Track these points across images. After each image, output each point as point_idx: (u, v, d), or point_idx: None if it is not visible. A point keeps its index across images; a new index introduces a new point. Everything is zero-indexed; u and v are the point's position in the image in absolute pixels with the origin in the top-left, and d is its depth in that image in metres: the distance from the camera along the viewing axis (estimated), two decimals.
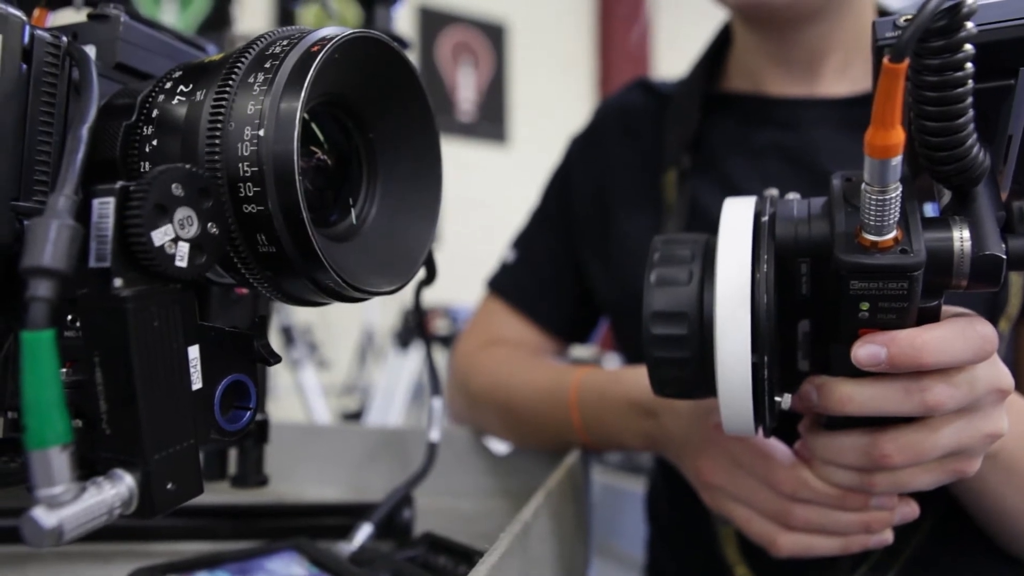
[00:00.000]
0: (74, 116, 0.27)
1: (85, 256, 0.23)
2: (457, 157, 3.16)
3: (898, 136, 0.26)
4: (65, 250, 0.21)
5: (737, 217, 0.34)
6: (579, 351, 1.38)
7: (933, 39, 0.26)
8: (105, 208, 0.23)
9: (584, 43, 3.71)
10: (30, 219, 0.22)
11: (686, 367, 0.34)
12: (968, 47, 0.26)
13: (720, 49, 0.68)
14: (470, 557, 0.43)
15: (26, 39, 0.27)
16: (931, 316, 0.32)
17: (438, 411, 0.51)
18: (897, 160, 0.27)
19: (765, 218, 0.33)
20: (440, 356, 2.16)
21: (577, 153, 0.75)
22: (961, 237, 0.30)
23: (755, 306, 0.32)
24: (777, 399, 0.34)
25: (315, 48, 0.27)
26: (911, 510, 0.39)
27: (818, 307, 0.33)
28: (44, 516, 0.21)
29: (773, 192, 0.36)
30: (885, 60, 0.25)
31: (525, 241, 0.76)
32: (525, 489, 0.60)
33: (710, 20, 0.76)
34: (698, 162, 0.64)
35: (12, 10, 0.27)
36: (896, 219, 0.29)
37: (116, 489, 0.23)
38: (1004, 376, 0.34)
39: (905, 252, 0.29)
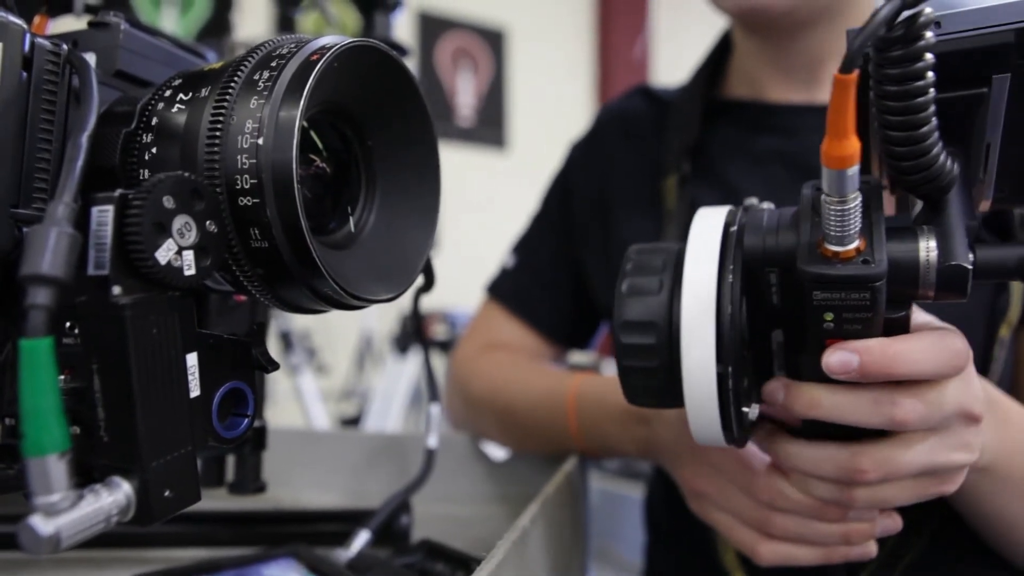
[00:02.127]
0: (74, 124, 0.27)
1: (84, 264, 0.23)
2: (456, 162, 3.17)
3: (853, 146, 0.26)
4: (64, 258, 0.21)
5: (706, 227, 0.34)
6: (578, 357, 1.38)
7: (892, 48, 0.26)
8: (104, 216, 0.23)
9: (583, 49, 3.72)
10: (29, 226, 0.22)
11: (655, 376, 0.34)
12: (928, 56, 0.26)
13: (721, 56, 0.69)
14: (468, 564, 0.43)
15: (26, 47, 0.27)
16: (898, 327, 0.32)
17: (436, 417, 0.51)
18: (854, 170, 0.27)
19: (734, 228, 0.33)
20: (438, 362, 2.16)
21: (578, 159, 0.75)
22: (927, 247, 0.30)
23: (720, 316, 0.31)
24: (745, 409, 0.33)
25: (314, 57, 0.27)
26: (893, 523, 0.39)
27: (789, 317, 0.33)
28: (41, 524, 0.21)
29: (752, 201, 0.36)
30: (835, 72, 0.25)
31: (525, 246, 0.76)
32: (523, 495, 0.60)
33: (709, 27, 0.77)
34: (699, 168, 0.64)
35: (12, 18, 0.27)
36: (857, 229, 0.29)
37: (114, 496, 0.23)
38: (974, 401, 0.34)
39: (867, 263, 0.29)
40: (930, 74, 0.26)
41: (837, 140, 0.26)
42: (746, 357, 0.34)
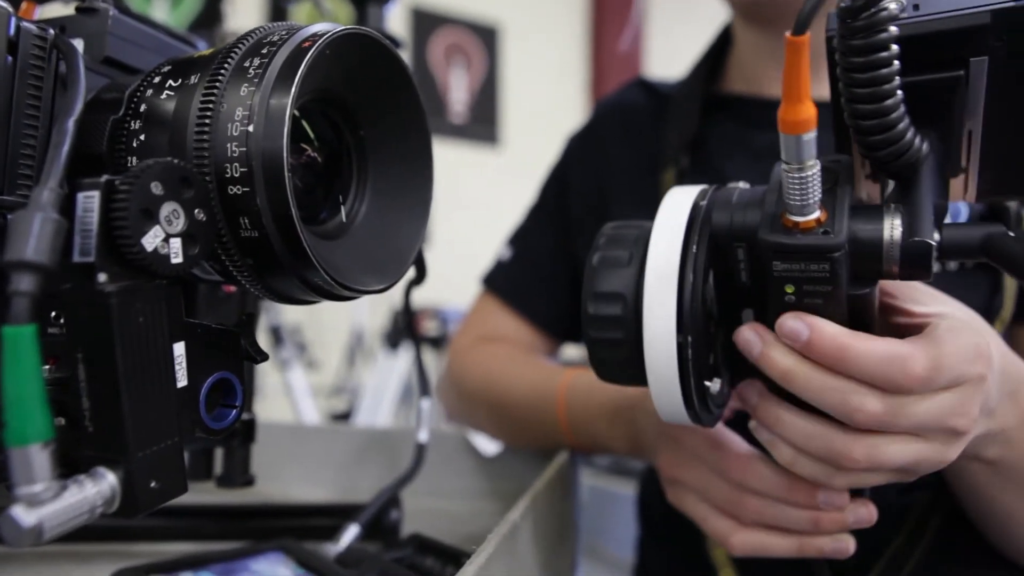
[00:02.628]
0: (60, 109, 0.27)
1: (69, 251, 0.23)
2: (449, 159, 3.16)
3: (809, 110, 0.26)
4: (49, 244, 0.21)
5: (676, 202, 0.34)
6: (571, 351, 1.38)
7: (855, 18, 0.26)
8: (90, 202, 0.23)
9: (576, 46, 3.72)
10: (14, 213, 0.22)
11: (621, 348, 0.34)
12: (892, 28, 0.26)
13: (720, 51, 0.69)
14: (457, 558, 0.43)
15: (12, 31, 0.27)
16: (862, 304, 0.31)
17: (427, 412, 0.51)
18: (810, 136, 0.27)
19: (704, 203, 0.33)
20: (429, 357, 2.16)
21: (575, 151, 0.75)
22: (892, 224, 0.30)
23: (682, 285, 0.31)
24: (707, 384, 0.33)
25: (306, 44, 0.27)
26: (867, 512, 0.39)
27: (758, 295, 0.33)
28: (23, 515, 0.20)
29: (737, 184, 0.36)
30: (787, 34, 0.25)
31: (521, 238, 0.76)
32: (513, 490, 0.59)
33: (702, 24, 0.77)
34: (697, 162, 0.64)
35: None
36: (818, 199, 0.29)
37: (98, 487, 0.23)
38: (959, 418, 0.33)
39: (827, 233, 0.29)
40: (894, 46, 0.26)
41: (792, 104, 0.26)
42: (713, 333, 0.34)
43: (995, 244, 0.29)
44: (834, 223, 0.29)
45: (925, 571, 0.50)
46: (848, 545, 0.39)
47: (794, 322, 0.31)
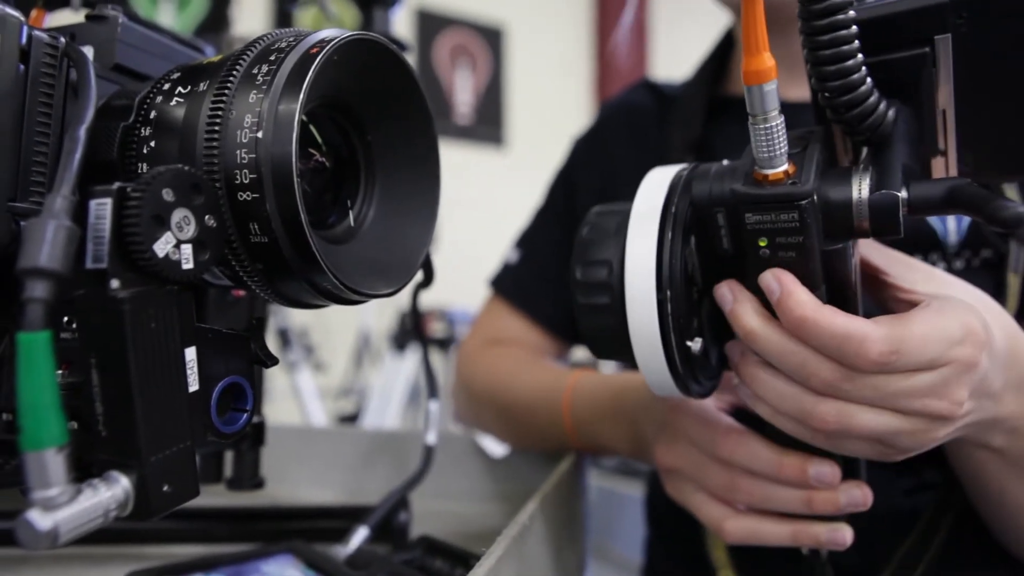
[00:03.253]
0: (72, 117, 0.27)
1: (82, 257, 0.23)
2: (454, 160, 3.16)
3: (768, 61, 0.27)
4: (62, 251, 0.21)
5: (658, 176, 0.35)
6: (580, 353, 1.38)
7: None
8: (102, 209, 0.23)
9: (581, 46, 3.72)
10: (27, 220, 0.22)
11: (607, 314, 0.35)
12: None
13: (724, 53, 0.69)
14: (466, 560, 0.43)
15: (23, 39, 0.27)
16: (836, 260, 0.32)
17: (435, 414, 0.51)
18: (772, 86, 0.28)
19: (684, 173, 0.35)
20: (437, 359, 2.16)
21: (581, 153, 0.75)
22: (861, 183, 0.30)
23: (661, 243, 0.33)
24: (689, 343, 0.34)
25: (314, 50, 0.27)
26: (862, 493, 0.38)
27: (741, 262, 0.34)
28: (39, 518, 0.20)
29: (724, 162, 0.37)
30: None
31: (528, 241, 0.76)
32: (522, 492, 0.60)
33: (707, 26, 0.77)
34: (703, 162, 0.64)
35: (9, 10, 0.27)
36: (784, 151, 0.30)
37: (112, 491, 0.23)
38: (943, 405, 0.33)
39: (795, 184, 0.30)
40: (851, 11, 0.28)
41: (752, 56, 0.27)
42: (696, 299, 0.35)
43: (959, 193, 0.30)
44: (802, 174, 0.30)
45: (938, 570, 0.50)
46: (845, 535, 0.39)
47: (771, 279, 0.32)
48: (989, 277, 0.52)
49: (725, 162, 0.35)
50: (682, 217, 0.33)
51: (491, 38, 3.45)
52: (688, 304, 0.34)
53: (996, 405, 0.36)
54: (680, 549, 0.67)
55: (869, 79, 0.29)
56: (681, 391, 0.35)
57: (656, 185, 0.35)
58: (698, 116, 0.64)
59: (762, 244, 0.31)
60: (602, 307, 0.35)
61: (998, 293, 0.52)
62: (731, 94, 0.67)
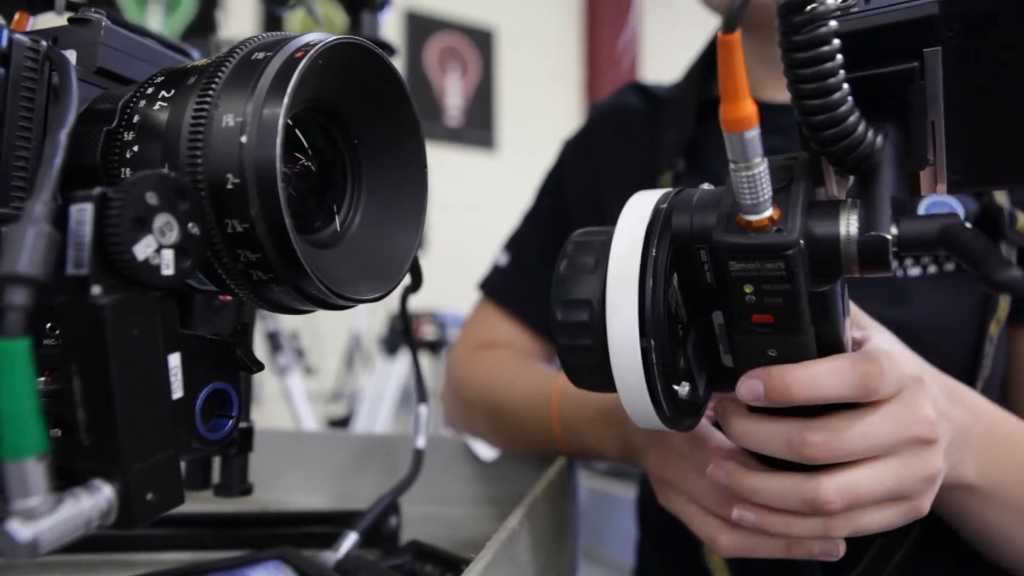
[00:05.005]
0: (53, 121, 0.27)
1: (63, 263, 0.23)
2: (444, 163, 3.16)
3: (749, 108, 0.26)
4: (42, 257, 0.21)
5: (638, 206, 0.34)
6: None
7: (796, 14, 0.27)
8: (83, 214, 0.23)
9: (571, 49, 3.72)
10: (7, 226, 0.22)
11: (589, 354, 0.34)
12: (833, 22, 0.27)
13: (714, 55, 0.69)
14: (456, 565, 0.43)
15: (3, 42, 0.27)
16: (824, 302, 0.31)
17: (424, 418, 0.51)
18: (753, 133, 0.27)
19: (664, 205, 0.33)
20: (427, 362, 2.16)
21: (571, 155, 0.75)
22: (848, 220, 0.29)
23: (642, 289, 0.31)
24: (676, 387, 0.33)
25: (299, 54, 0.27)
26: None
27: (725, 297, 0.33)
28: (19, 529, 0.20)
29: (705, 186, 0.36)
30: (719, 33, 0.25)
31: (518, 244, 0.76)
32: (512, 496, 0.59)
33: (697, 28, 0.77)
34: (693, 165, 0.64)
35: None
36: (769, 197, 0.29)
37: (94, 500, 0.23)
38: (916, 425, 0.34)
39: (780, 231, 0.29)
40: (836, 40, 0.27)
41: (731, 103, 0.26)
42: (681, 336, 0.34)
43: (951, 235, 0.29)
44: (787, 220, 0.29)
45: (908, 570, 0.50)
46: (838, 547, 0.39)
47: (748, 383, 0.32)
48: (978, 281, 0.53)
49: (706, 186, 0.35)
50: (663, 260, 0.32)
51: (481, 41, 3.45)
52: (673, 345, 0.33)
53: (948, 420, 0.37)
54: (672, 551, 0.67)
55: (856, 110, 0.29)
56: (668, 427, 0.34)
57: (635, 219, 0.33)
58: (689, 118, 0.65)
59: (748, 291, 0.30)
60: (584, 348, 0.34)
61: (989, 294, 0.52)
62: (719, 97, 0.67)
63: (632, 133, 0.70)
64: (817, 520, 0.35)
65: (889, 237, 0.29)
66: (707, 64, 0.68)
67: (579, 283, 0.34)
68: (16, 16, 0.34)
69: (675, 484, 0.43)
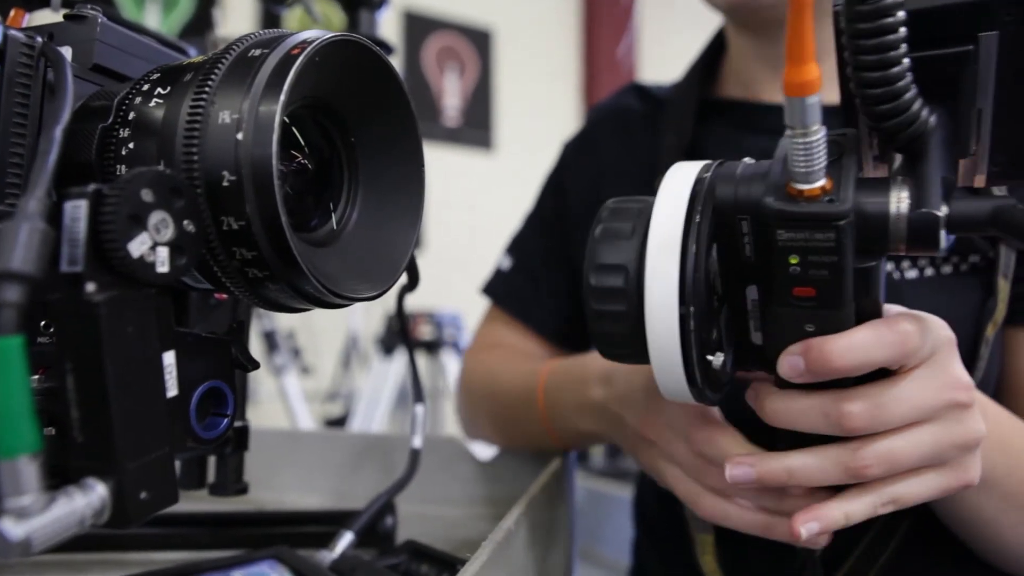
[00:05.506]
0: (48, 118, 0.27)
1: (57, 260, 0.23)
2: (442, 163, 3.16)
3: (813, 71, 0.25)
4: (36, 253, 0.21)
5: (679, 175, 0.33)
6: None
7: None
8: (77, 211, 0.23)
9: (569, 49, 3.72)
10: (1, 222, 0.22)
11: (622, 321, 0.33)
12: None
13: (714, 55, 0.69)
14: (452, 565, 0.43)
15: None
16: (867, 279, 0.31)
17: (421, 417, 0.51)
18: (815, 99, 0.26)
19: (707, 175, 0.33)
20: (424, 362, 2.15)
21: (571, 157, 0.75)
22: (899, 196, 0.29)
23: (684, 256, 0.31)
24: (710, 357, 0.33)
25: (295, 51, 0.26)
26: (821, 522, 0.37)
27: (762, 271, 0.33)
28: (11, 527, 0.20)
29: (747, 160, 0.35)
30: None
31: (519, 247, 0.76)
32: (508, 496, 0.59)
33: (695, 28, 0.77)
34: None
35: None
36: (823, 166, 0.28)
37: (88, 498, 0.22)
38: (951, 388, 0.33)
39: (832, 202, 0.28)
40: (900, 12, 0.26)
41: (796, 65, 0.25)
42: (716, 307, 0.34)
43: (1005, 216, 0.28)
44: (840, 191, 0.28)
45: (897, 569, 0.50)
46: (822, 539, 0.37)
47: (788, 360, 0.32)
48: (977, 281, 0.53)
49: (749, 160, 0.34)
50: (707, 227, 0.32)
51: (479, 41, 3.45)
52: (709, 315, 0.33)
53: None
54: (668, 550, 0.67)
55: (914, 87, 0.28)
56: (696, 399, 0.34)
57: (679, 187, 0.33)
58: (688, 120, 0.64)
59: (793, 261, 0.30)
60: (617, 314, 0.33)
61: (987, 296, 0.52)
62: (722, 96, 0.67)
63: (632, 135, 0.70)
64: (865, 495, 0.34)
65: (940, 215, 0.28)
66: (708, 64, 0.68)
67: (614, 248, 0.34)
68: (12, 12, 0.34)
69: (659, 445, 0.43)
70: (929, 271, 0.53)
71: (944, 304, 0.53)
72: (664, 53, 3.58)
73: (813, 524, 0.34)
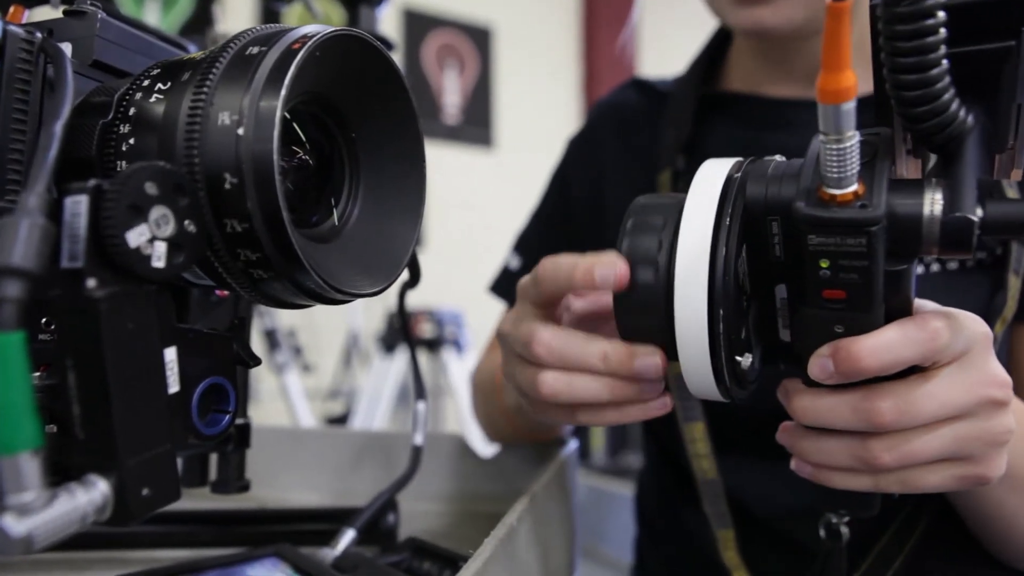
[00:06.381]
0: (48, 113, 0.27)
1: (57, 256, 0.23)
2: (442, 160, 3.16)
3: (849, 79, 0.25)
4: (36, 249, 0.21)
5: (710, 174, 0.33)
6: None
7: None
8: (78, 206, 0.23)
9: (569, 46, 3.72)
10: (1, 218, 0.21)
11: (650, 315, 0.33)
12: None
13: (718, 49, 0.68)
14: (455, 562, 0.43)
15: None
16: (898, 282, 0.31)
17: (422, 415, 0.51)
18: (850, 105, 0.26)
19: (738, 175, 0.33)
20: (425, 360, 2.16)
21: (574, 153, 0.75)
22: (933, 199, 0.29)
23: (714, 257, 0.31)
24: (739, 358, 0.33)
25: (296, 46, 0.26)
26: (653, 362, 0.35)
27: (792, 270, 0.32)
28: (13, 524, 0.20)
29: (770, 157, 0.35)
30: (828, 1, 0.24)
31: (526, 244, 0.76)
32: (510, 493, 0.59)
33: (695, 24, 0.77)
34: (694, 163, 0.63)
35: None
36: (856, 172, 0.28)
37: (89, 495, 0.22)
38: (985, 385, 0.33)
39: (865, 207, 0.28)
40: (941, 13, 0.25)
41: (831, 73, 0.25)
42: (745, 307, 0.34)
43: None
44: (872, 196, 0.28)
45: (914, 569, 0.50)
46: (665, 401, 0.36)
47: (818, 362, 0.32)
48: (985, 277, 0.52)
49: (780, 158, 0.34)
50: (737, 229, 0.31)
51: (479, 38, 3.45)
52: (738, 316, 0.33)
53: None
54: (670, 548, 0.67)
55: (952, 87, 0.27)
56: (724, 398, 0.34)
57: (709, 186, 0.33)
58: (688, 113, 0.64)
59: (823, 265, 0.30)
60: (645, 308, 0.33)
61: (995, 293, 0.52)
62: (723, 91, 0.66)
63: (632, 130, 0.70)
64: (868, 476, 0.34)
65: (975, 219, 0.28)
66: (711, 58, 0.68)
67: (645, 242, 0.33)
68: (11, 8, 0.34)
69: (504, 336, 0.41)
70: (935, 267, 0.53)
71: (951, 301, 0.53)
72: (664, 49, 3.57)
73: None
